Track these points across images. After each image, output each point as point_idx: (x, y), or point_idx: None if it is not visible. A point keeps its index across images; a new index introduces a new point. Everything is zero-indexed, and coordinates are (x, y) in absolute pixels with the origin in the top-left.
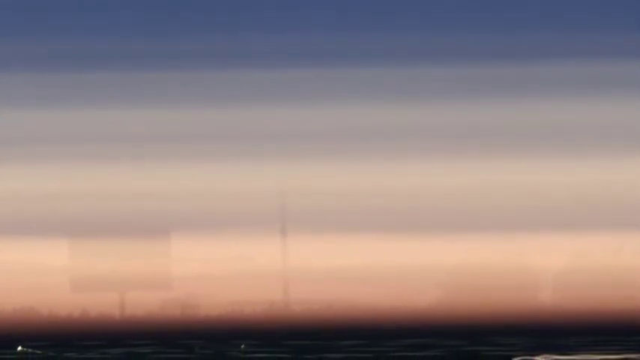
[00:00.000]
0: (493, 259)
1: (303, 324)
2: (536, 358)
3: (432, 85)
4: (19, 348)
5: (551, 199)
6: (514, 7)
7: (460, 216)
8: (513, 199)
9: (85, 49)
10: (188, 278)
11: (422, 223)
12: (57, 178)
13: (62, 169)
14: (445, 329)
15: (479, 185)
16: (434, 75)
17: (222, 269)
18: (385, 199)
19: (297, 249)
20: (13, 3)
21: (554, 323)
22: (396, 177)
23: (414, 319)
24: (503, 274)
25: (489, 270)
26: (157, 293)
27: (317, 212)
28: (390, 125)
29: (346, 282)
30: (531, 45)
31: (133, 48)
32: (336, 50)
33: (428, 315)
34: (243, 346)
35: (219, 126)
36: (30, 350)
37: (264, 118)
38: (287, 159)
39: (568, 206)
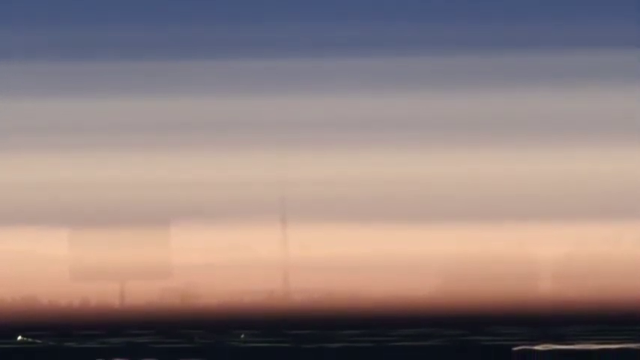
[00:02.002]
0: (492, 247)
1: (303, 313)
2: (536, 347)
3: (432, 74)
4: (19, 337)
5: (550, 188)
6: None
7: (459, 205)
8: (513, 188)
9: (86, 38)
10: (188, 267)
11: (422, 212)
12: (56, 167)
13: (62, 158)
14: (445, 319)
15: (478, 174)
16: (433, 64)
17: (222, 258)
18: (385, 188)
19: (298, 238)
20: None
21: (554, 313)
22: (396, 166)
23: (414, 309)
24: (502, 263)
25: (489, 259)
26: (157, 282)
27: (317, 201)
28: (390, 114)
29: (346, 271)
30: (530, 34)
31: (133, 36)
32: (335, 39)
33: (427, 304)
34: (242, 336)
35: (218, 115)
36: (30, 340)
37: (263, 107)
38: (287, 148)
39: (568, 195)
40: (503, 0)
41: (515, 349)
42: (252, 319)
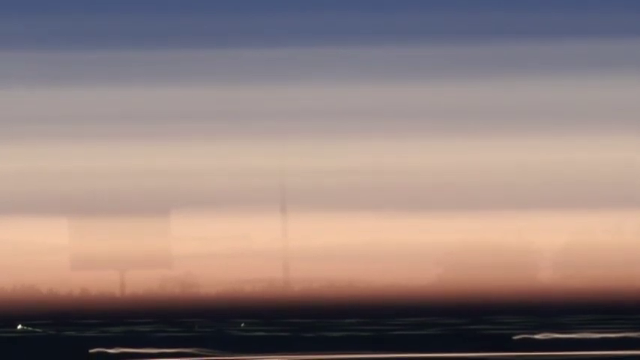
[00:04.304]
0: (493, 237)
1: (302, 302)
2: (536, 336)
3: (433, 64)
4: (20, 326)
5: (550, 178)
6: None
7: (460, 194)
8: (513, 178)
9: (86, 28)
10: (188, 257)
11: (422, 201)
12: (57, 156)
13: (62, 147)
14: (445, 308)
15: (479, 164)
16: (434, 54)
17: (222, 248)
18: (385, 177)
19: (297, 227)
20: None
21: (554, 302)
22: (396, 156)
23: (414, 298)
24: (503, 253)
25: (489, 248)
26: (157, 272)
27: (317, 191)
28: (390, 104)
29: (346, 260)
30: (532, 24)
31: (134, 27)
32: (336, 30)
33: (428, 293)
34: (242, 325)
35: (219, 105)
36: (30, 328)
37: (264, 97)
38: (287, 138)
39: (568, 184)
40: None
41: (516, 337)
42: (252, 307)
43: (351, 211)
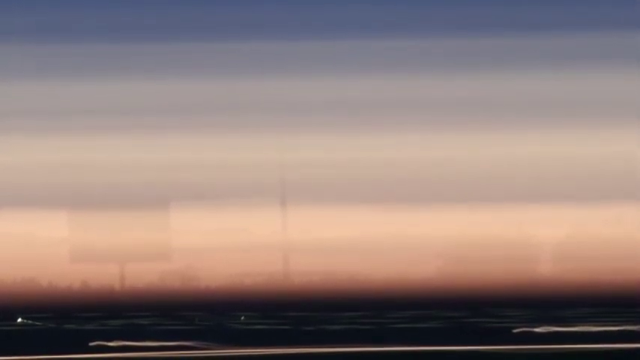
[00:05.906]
0: (493, 230)
1: (302, 295)
2: (536, 329)
3: (432, 57)
4: (19, 319)
5: (551, 171)
6: None
7: (460, 187)
8: (513, 171)
9: (84, 22)
10: (188, 250)
11: (422, 194)
12: (56, 149)
13: (61, 140)
14: (445, 301)
15: (479, 157)
16: (433, 47)
17: (222, 241)
18: (385, 171)
19: (297, 221)
20: None
21: (554, 295)
22: (396, 149)
23: (414, 291)
24: (502, 246)
25: (489, 241)
26: (157, 265)
27: (317, 184)
28: (390, 98)
29: (346, 253)
30: (529, 18)
31: (133, 20)
32: (335, 23)
33: (428, 287)
34: (242, 318)
35: (219, 98)
36: (30, 322)
37: (264, 91)
38: (287, 131)
39: (568, 177)
40: None
41: (516, 330)
42: (252, 301)
43: (352, 205)
